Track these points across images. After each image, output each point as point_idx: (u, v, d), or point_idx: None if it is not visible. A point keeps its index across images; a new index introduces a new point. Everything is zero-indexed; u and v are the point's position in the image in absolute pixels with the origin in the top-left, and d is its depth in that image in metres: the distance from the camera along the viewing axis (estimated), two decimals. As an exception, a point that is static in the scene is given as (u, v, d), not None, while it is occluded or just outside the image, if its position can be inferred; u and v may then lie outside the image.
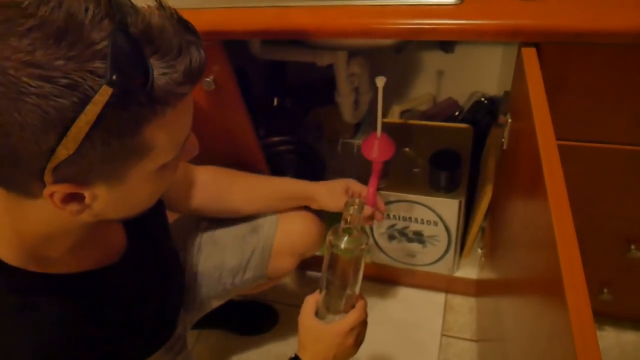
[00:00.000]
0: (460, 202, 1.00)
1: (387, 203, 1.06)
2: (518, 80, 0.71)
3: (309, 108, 1.40)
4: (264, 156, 1.06)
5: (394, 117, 1.33)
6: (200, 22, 0.79)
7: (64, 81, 0.36)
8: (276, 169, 1.16)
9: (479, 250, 1.11)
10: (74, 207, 0.45)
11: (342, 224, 0.71)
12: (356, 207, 0.70)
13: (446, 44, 1.10)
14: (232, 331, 1.33)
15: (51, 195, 0.43)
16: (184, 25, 0.43)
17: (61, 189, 0.43)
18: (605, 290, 1.02)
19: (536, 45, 0.67)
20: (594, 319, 1.30)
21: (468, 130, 1.11)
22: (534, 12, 0.66)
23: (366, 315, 0.78)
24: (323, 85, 1.16)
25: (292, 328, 1.25)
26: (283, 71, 1.37)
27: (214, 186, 0.90)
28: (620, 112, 0.73)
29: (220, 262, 0.92)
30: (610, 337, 1.18)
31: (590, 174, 0.82)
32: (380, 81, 0.86)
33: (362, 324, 0.77)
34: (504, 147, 0.80)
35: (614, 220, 0.89)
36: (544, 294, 0.55)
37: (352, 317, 0.74)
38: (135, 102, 0.39)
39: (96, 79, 0.37)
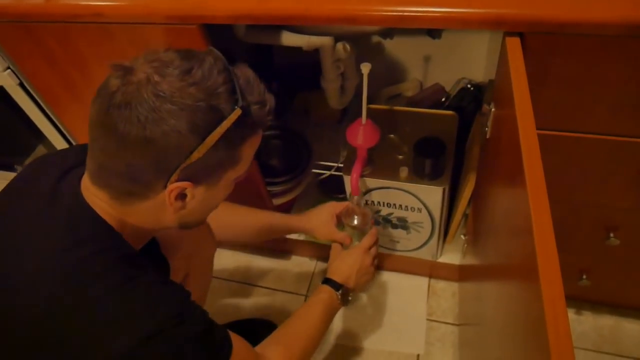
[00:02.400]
0: (444, 190, 1.01)
1: (372, 190, 1.07)
2: (502, 69, 0.71)
3: (295, 92, 1.39)
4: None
5: (381, 103, 1.33)
6: (181, 6, 0.78)
7: (209, 105, 0.55)
8: (261, 154, 1.15)
9: (462, 237, 1.13)
10: (179, 203, 0.61)
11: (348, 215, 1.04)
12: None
13: (433, 30, 1.09)
14: None
15: (171, 190, 0.58)
16: (257, 76, 0.61)
17: (182, 185, 0.58)
18: (584, 277, 1.05)
19: (520, 35, 0.67)
20: (573, 303, 1.34)
21: (453, 117, 1.11)
22: (518, 2, 0.66)
23: (377, 239, 1.03)
24: (310, 69, 1.15)
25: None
26: (269, 55, 1.36)
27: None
28: (601, 103, 0.73)
29: None
30: (588, 322, 1.21)
31: (570, 163, 0.83)
32: (366, 67, 0.86)
33: (375, 249, 1.01)
34: (487, 135, 0.81)
35: (594, 208, 0.91)
36: (520, 280, 0.56)
37: (366, 240, 1.00)
38: (247, 123, 0.58)
39: (229, 104, 0.56)
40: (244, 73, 0.59)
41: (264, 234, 1.07)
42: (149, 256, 0.72)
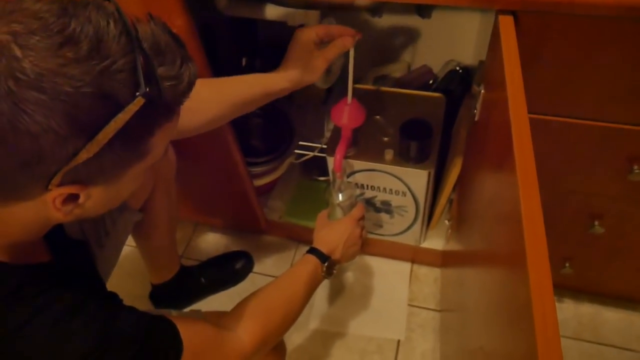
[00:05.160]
0: (429, 173, 1.00)
1: (356, 172, 1.06)
2: (493, 50, 0.70)
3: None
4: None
5: (367, 84, 1.31)
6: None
7: (95, 92, 0.40)
8: (242, 133, 1.13)
9: (446, 222, 1.13)
10: (69, 207, 0.49)
11: (333, 188, 1.01)
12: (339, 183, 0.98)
13: (423, 8, 1.07)
14: (212, 291, 1.33)
15: (54, 197, 0.46)
16: (177, 38, 0.48)
17: (66, 191, 0.46)
18: (567, 265, 1.06)
19: (514, 13, 0.66)
20: (555, 291, 1.36)
21: (441, 99, 1.10)
22: (513, -21, 0.64)
23: (364, 215, 0.99)
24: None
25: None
26: (253, 30, 1.33)
27: None
28: (593, 87, 0.73)
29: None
30: (569, 309, 1.23)
31: (558, 149, 0.83)
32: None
33: (364, 222, 0.98)
34: (476, 118, 0.80)
35: (579, 196, 0.91)
36: (507, 267, 0.56)
37: (356, 211, 0.98)
38: (155, 110, 0.45)
39: (128, 89, 0.42)
40: (154, 36, 0.44)
41: (238, 109, 0.82)
42: (56, 251, 0.62)
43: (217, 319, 0.72)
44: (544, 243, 0.47)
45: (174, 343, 0.60)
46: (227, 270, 1.34)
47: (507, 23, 0.65)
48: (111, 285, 1.41)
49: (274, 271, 1.37)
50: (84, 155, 0.43)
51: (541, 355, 0.39)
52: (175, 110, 0.49)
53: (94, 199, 0.50)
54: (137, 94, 0.42)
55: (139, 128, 0.45)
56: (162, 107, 0.46)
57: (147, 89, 0.42)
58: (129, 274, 1.36)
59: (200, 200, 1.35)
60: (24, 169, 0.43)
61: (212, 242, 1.45)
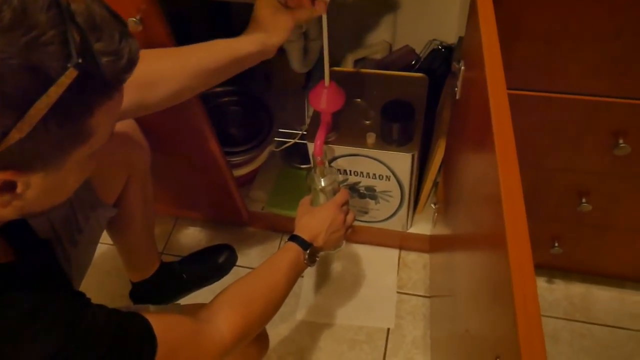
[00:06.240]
0: (413, 156, 0.99)
1: (338, 157, 1.04)
2: (471, 25, 0.69)
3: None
4: (205, 108, 1.01)
5: (348, 67, 1.30)
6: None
7: (23, 64, 0.39)
8: (218, 122, 1.11)
9: (433, 206, 1.12)
10: (5, 197, 0.46)
11: (315, 173, 0.98)
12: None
13: (402, -15, 1.06)
14: (195, 287, 1.32)
15: None
16: (115, 14, 0.46)
17: (1, 177, 0.43)
18: (556, 244, 1.06)
19: (491, -16, 0.65)
20: (545, 272, 1.36)
21: (423, 79, 1.09)
22: (489, -52, 0.63)
23: (349, 196, 0.98)
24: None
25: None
26: (227, 13, 1.30)
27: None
28: (576, 60, 0.72)
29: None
30: (559, 290, 1.23)
31: (543, 125, 0.82)
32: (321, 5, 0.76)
33: (347, 208, 0.96)
34: (457, 96, 0.79)
35: (566, 173, 0.91)
36: (489, 249, 0.55)
37: (339, 196, 0.96)
38: (92, 86, 0.43)
39: (59, 62, 0.40)
40: (89, 10, 0.43)
41: (204, 80, 0.77)
42: (19, 251, 0.60)
43: (196, 311, 0.71)
44: (524, 223, 0.46)
45: (148, 339, 0.58)
46: (209, 264, 1.33)
47: (484, -4, 0.63)
48: (90, 284, 1.39)
49: (258, 264, 1.35)
50: (15, 135, 0.40)
51: (522, 336, 0.38)
52: (116, 88, 0.47)
53: (35, 189, 0.47)
54: (69, 65, 0.40)
55: (75, 106, 0.43)
56: (101, 84, 0.45)
57: (80, 61, 0.41)
58: (107, 273, 1.34)
59: (179, 194, 1.33)
60: None
61: (193, 236, 1.43)
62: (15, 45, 0.38)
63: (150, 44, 0.85)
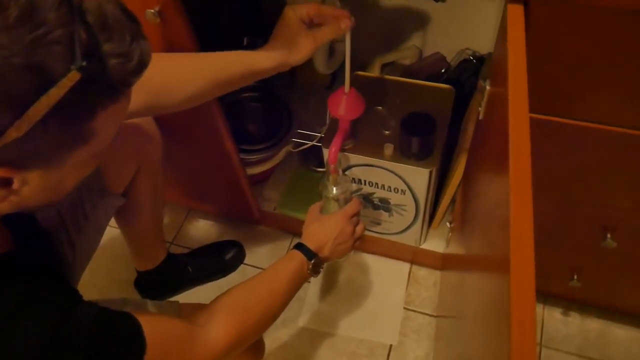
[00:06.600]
0: (431, 172, 0.95)
1: (353, 166, 1.01)
2: (500, 41, 0.65)
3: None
4: (222, 104, 0.99)
5: (374, 70, 1.26)
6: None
7: (26, 63, 0.38)
8: (236, 117, 1.09)
9: (448, 225, 1.08)
10: (1, 192, 0.45)
11: (328, 180, 0.95)
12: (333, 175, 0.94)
13: (437, -9, 1.01)
14: (200, 281, 1.31)
15: None
16: (129, 14, 0.45)
17: None
18: (575, 277, 1.00)
19: (525, 2, 0.60)
20: (561, 303, 1.30)
21: (450, 91, 1.05)
22: (526, -38, 0.59)
23: (360, 207, 0.95)
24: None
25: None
26: (258, 8, 1.28)
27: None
28: (612, 88, 0.67)
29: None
30: (574, 324, 1.17)
31: (569, 153, 0.77)
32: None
33: (358, 219, 0.93)
34: (480, 116, 0.75)
35: (592, 206, 0.85)
36: (494, 274, 0.53)
37: (350, 206, 0.93)
38: (96, 88, 0.42)
39: (62, 63, 0.39)
40: (101, 9, 0.42)
41: (218, 88, 0.77)
42: (20, 241, 0.59)
43: (192, 313, 0.70)
44: (531, 250, 0.44)
45: (137, 341, 0.57)
46: (216, 260, 1.32)
47: (515, 12, 0.59)
48: (98, 267, 1.41)
49: (266, 264, 1.33)
50: (13, 134, 0.39)
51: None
52: (122, 91, 0.45)
53: (32, 186, 0.46)
54: (72, 67, 0.39)
55: (77, 108, 0.42)
56: (106, 87, 0.43)
57: (84, 63, 0.39)
58: (116, 258, 1.34)
59: (192, 186, 1.32)
60: None
61: (204, 229, 1.42)
62: (20, 42, 0.37)
63: (168, 39, 0.84)
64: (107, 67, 0.42)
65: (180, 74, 0.73)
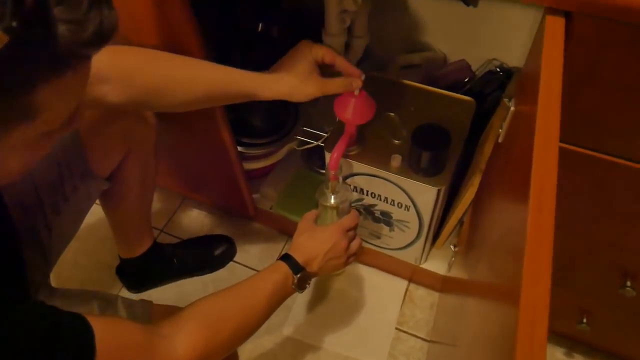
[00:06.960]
0: (439, 191, 0.87)
1: (355, 174, 0.93)
2: (533, 57, 0.56)
3: (298, 42, 1.23)
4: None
5: (394, 72, 1.18)
6: None
7: None
8: (239, 107, 1.02)
9: (452, 248, 1.00)
10: None
11: (326, 187, 0.90)
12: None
13: (468, -6, 0.93)
14: (185, 275, 1.25)
15: None
16: None
17: None
18: (584, 320, 0.92)
19: (566, 14, 0.52)
20: (565, 342, 1.20)
21: (470, 104, 0.96)
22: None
23: (359, 221, 0.89)
24: (318, 18, 1.00)
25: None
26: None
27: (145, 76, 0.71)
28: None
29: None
30: (578, 367, 1.09)
31: (599, 190, 0.69)
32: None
33: (354, 233, 0.87)
34: (500, 139, 0.66)
35: (614, 248, 0.77)
36: (500, 306, 0.47)
37: (347, 219, 0.86)
38: (34, 57, 0.36)
39: None
40: None
41: (209, 101, 0.75)
42: None
43: (160, 319, 0.64)
44: (548, 285, 0.38)
45: (84, 348, 0.51)
46: (204, 254, 1.25)
47: (555, 25, 0.51)
48: (82, 248, 1.35)
49: (256, 264, 1.27)
50: None
51: None
52: (69, 64, 0.39)
53: None
54: None
55: (9, 76, 0.36)
56: (48, 56, 0.37)
57: (14, 24, 0.34)
58: (102, 240, 1.29)
59: (188, 174, 1.26)
60: None
61: (197, 220, 1.36)
62: None
63: (167, 29, 0.77)
64: (53, 34, 0.36)
65: (176, 80, 0.70)
